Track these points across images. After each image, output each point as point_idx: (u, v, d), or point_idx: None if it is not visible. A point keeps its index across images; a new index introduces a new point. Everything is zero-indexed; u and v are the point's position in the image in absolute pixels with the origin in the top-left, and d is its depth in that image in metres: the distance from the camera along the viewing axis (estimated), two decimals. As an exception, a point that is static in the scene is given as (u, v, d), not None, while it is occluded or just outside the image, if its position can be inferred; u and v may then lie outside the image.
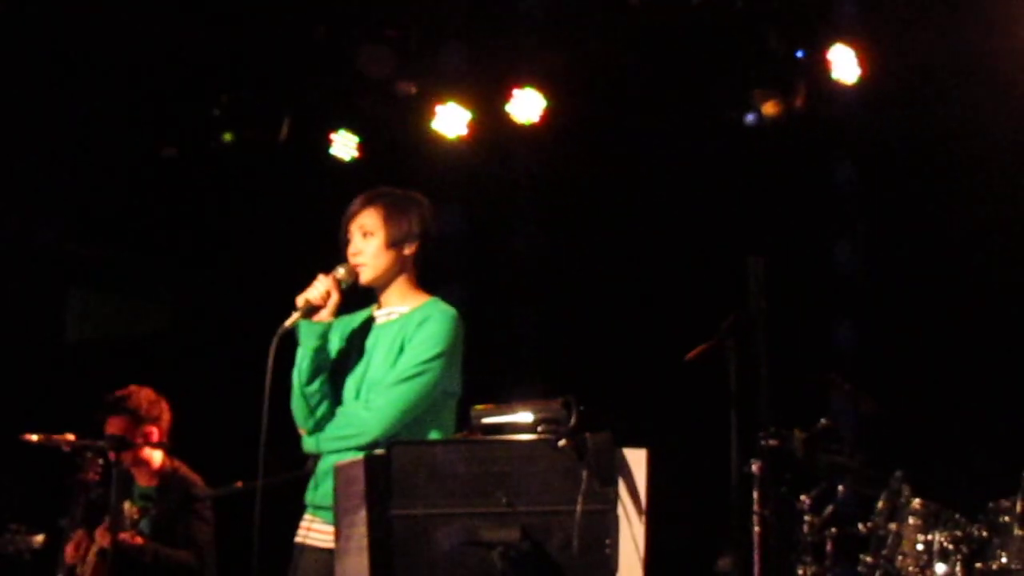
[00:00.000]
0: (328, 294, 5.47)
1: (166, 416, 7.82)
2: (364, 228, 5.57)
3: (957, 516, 6.59)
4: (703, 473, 7.29)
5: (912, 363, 8.31)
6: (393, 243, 5.56)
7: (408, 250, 5.60)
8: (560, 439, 4.49)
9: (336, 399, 5.52)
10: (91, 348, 10.41)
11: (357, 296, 5.64)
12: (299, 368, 5.49)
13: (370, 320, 5.64)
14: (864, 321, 8.47)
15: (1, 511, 8.08)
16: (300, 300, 5.47)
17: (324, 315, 5.48)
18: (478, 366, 5.66)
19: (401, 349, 5.46)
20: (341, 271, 5.53)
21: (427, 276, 5.69)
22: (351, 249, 5.59)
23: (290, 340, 5.49)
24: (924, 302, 8.41)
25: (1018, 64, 7.85)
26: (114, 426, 7.59)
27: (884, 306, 8.50)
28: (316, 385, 5.48)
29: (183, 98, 9.32)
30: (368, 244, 5.56)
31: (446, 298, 5.63)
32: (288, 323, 5.44)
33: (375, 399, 5.41)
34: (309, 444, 5.54)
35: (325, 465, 5.41)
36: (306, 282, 5.52)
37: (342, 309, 5.56)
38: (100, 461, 7.43)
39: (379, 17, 8.79)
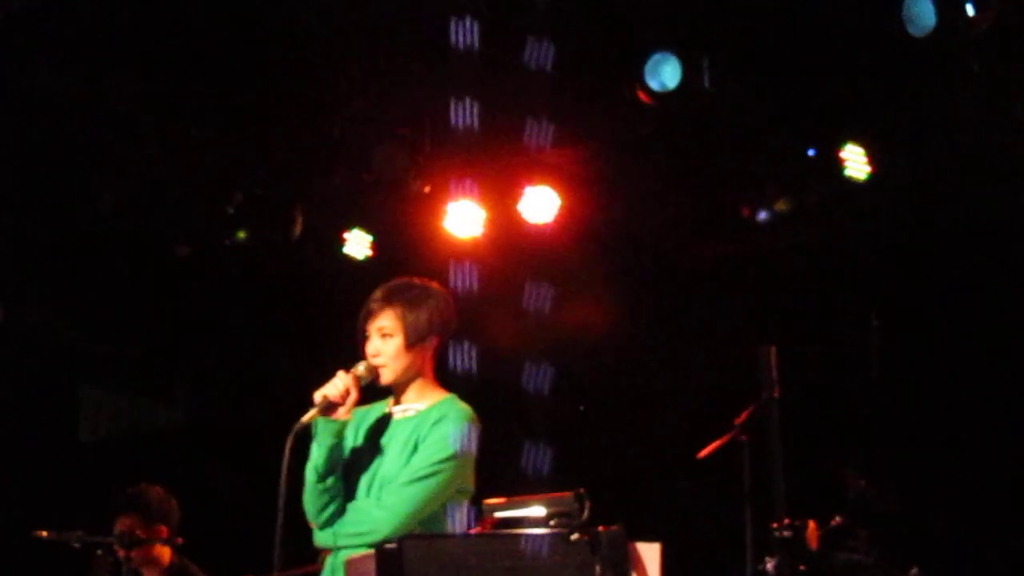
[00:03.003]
0: (347, 392, 5.43)
1: (175, 514, 7.79)
2: (383, 330, 5.53)
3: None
4: (717, 568, 7.25)
5: (928, 458, 8.28)
6: (412, 343, 5.53)
7: (428, 347, 5.58)
8: (573, 532, 4.46)
9: (349, 494, 5.49)
10: (103, 446, 10.40)
11: (374, 390, 5.62)
12: (314, 464, 5.45)
13: (386, 415, 5.61)
14: (879, 415, 8.45)
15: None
16: (318, 396, 5.44)
17: (341, 412, 5.44)
18: (491, 460, 5.63)
19: (415, 447, 5.43)
20: (361, 368, 5.50)
21: (445, 371, 5.69)
22: (370, 350, 5.55)
23: (305, 435, 5.47)
24: (939, 396, 8.39)
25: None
26: (124, 524, 7.56)
27: (899, 400, 8.48)
28: (331, 481, 5.45)
29: (197, 196, 9.36)
30: (387, 345, 5.53)
31: (461, 396, 5.62)
32: (305, 419, 5.40)
33: (387, 497, 5.38)
34: (321, 539, 5.50)
35: (336, 560, 5.37)
36: (319, 381, 5.50)
37: (360, 401, 5.55)
38: (110, 560, 7.40)
39: (392, 116, 8.83)
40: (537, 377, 8.52)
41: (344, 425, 5.47)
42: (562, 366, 9.00)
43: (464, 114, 7.99)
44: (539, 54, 7.61)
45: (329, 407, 5.43)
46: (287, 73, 8.56)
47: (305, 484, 5.47)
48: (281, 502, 5.22)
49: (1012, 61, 7.50)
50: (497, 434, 5.80)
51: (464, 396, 5.61)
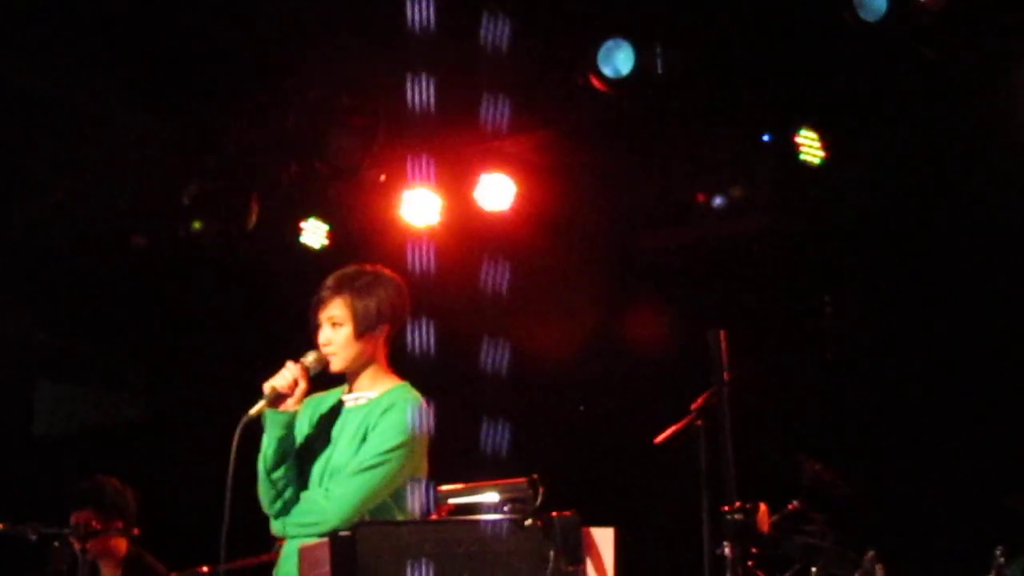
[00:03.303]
0: (296, 382, 5.43)
1: (132, 506, 7.79)
2: (333, 319, 5.53)
3: (930, 596, 6.57)
4: (672, 553, 7.26)
5: (882, 441, 8.32)
6: (362, 332, 5.53)
7: (379, 334, 5.58)
8: (527, 518, 4.47)
9: (303, 483, 5.48)
10: (60, 439, 10.36)
11: (330, 377, 5.62)
12: (264, 455, 5.45)
13: (338, 404, 5.61)
14: (834, 399, 8.48)
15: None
16: (267, 387, 5.43)
17: (291, 403, 5.44)
18: (444, 446, 5.63)
19: (364, 437, 5.43)
20: (310, 359, 5.50)
21: (398, 357, 5.68)
22: (321, 339, 5.55)
23: (256, 425, 5.45)
24: (894, 379, 8.42)
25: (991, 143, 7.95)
26: (80, 517, 7.55)
27: (853, 384, 8.51)
28: (281, 471, 5.44)
29: (152, 187, 9.32)
30: (337, 334, 5.53)
31: (414, 382, 5.61)
32: (253, 411, 5.40)
33: (335, 488, 5.37)
34: (276, 527, 5.50)
35: (290, 548, 5.37)
36: (276, 369, 5.49)
37: (313, 388, 5.54)
38: (68, 551, 7.38)
39: (346, 105, 8.81)
40: (494, 360, 8.52)
41: (293, 416, 5.45)
42: (518, 352, 9.00)
43: (419, 102, 7.97)
44: (494, 41, 7.60)
45: (278, 398, 5.42)
46: (241, 62, 8.54)
47: (258, 475, 5.47)
48: (229, 495, 5.22)
49: (963, 46, 7.52)
50: (452, 419, 5.81)
51: (421, 380, 5.61)
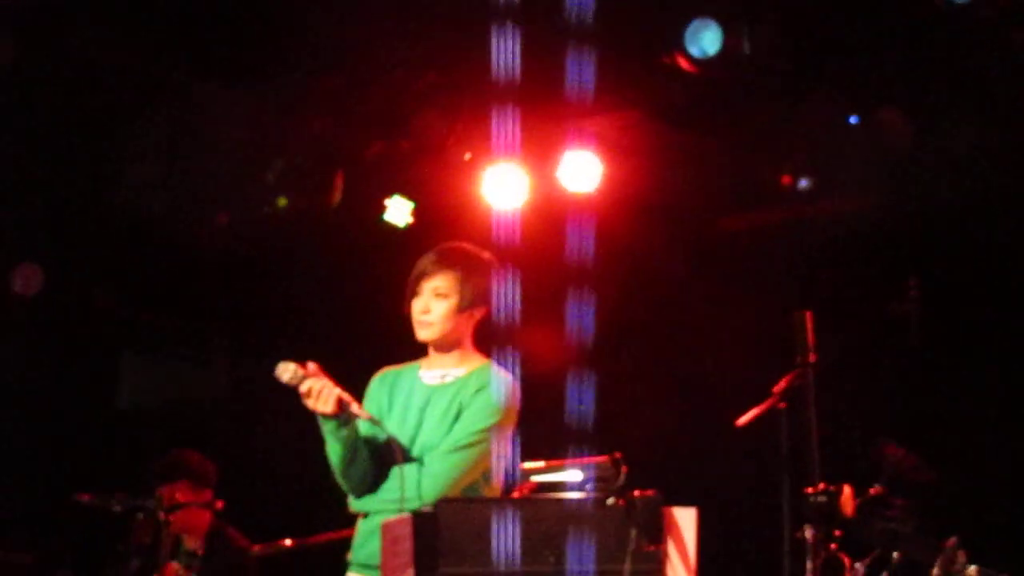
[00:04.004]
0: (338, 400, 5.36)
1: (213, 479, 7.85)
2: (438, 290, 5.54)
3: (1013, 583, 6.51)
4: (753, 535, 7.23)
5: (966, 428, 8.24)
6: (465, 308, 5.55)
7: (477, 314, 5.59)
8: (609, 497, 4.47)
9: (381, 460, 5.46)
10: (143, 413, 10.45)
11: (414, 348, 5.62)
12: (337, 458, 5.43)
13: (418, 378, 5.61)
14: (919, 385, 8.42)
15: (53, 571, 8.13)
16: (348, 404, 5.38)
17: (355, 408, 5.42)
18: (529, 425, 5.63)
19: (457, 415, 5.45)
20: (285, 375, 5.40)
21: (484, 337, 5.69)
22: (418, 306, 5.55)
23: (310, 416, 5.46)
24: (981, 365, 8.35)
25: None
26: (170, 490, 7.61)
27: (938, 369, 8.44)
28: (357, 466, 5.44)
29: (237, 163, 9.37)
30: (439, 305, 5.54)
31: (499, 362, 5.62)
32: (364, 431, 5.44)
33: (431, 465, 5.38)
34: (358, 504, 5.50)
35: (371, 524, 5.37)
36: (360, 345, 5.50)
37: (394, 358, 5.54)
38: (152, 523, 7.44)
39: (432, 82, 8.82)
40: (577, 340, 8.51)
41: (348, 420, 5.42)
42: (602, 335, 8.99)
43: (504, 79, 7.97)
44: (580, 18, 7.58)
45: (347, 411, 5.40)
46: (326, 40, 8.56)
47: (332, 467, 5.47)
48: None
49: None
50: (537, 399, 5.81)
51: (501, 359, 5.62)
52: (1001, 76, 7.86)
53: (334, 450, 5.43)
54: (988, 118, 8.09)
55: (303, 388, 5.34)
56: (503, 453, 5.45)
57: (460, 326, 5.57)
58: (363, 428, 5.49)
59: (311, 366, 5.39)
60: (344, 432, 5.39)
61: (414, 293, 5.57)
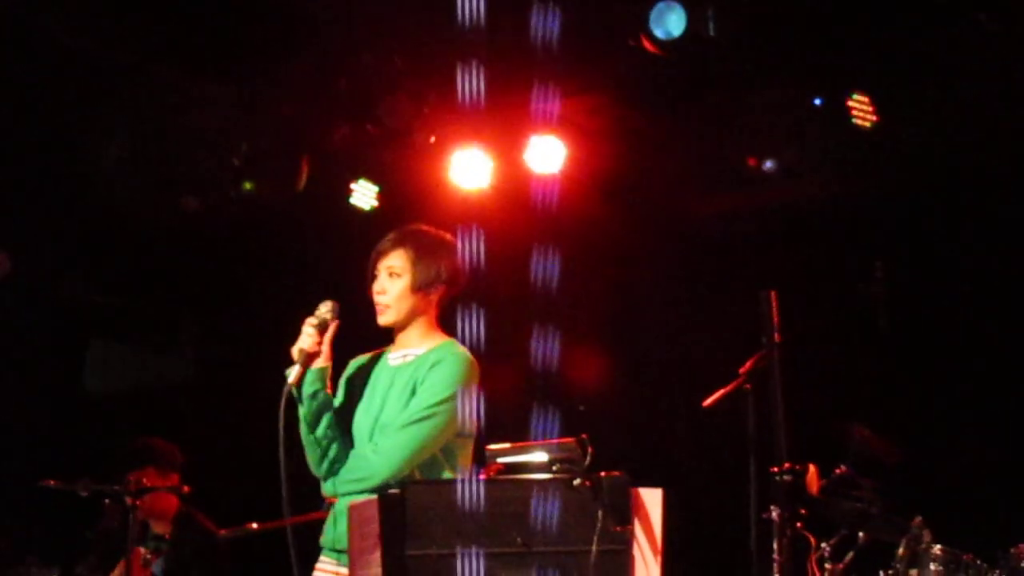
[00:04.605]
0: (320, 339, 5.45)
1: (179, 464, 7.86)
2: (392, 269, 5.56)
3: (978, 562, 6.55)
4: (719, 515, 7.26)
5: (932, 408, 8.28)
6: (419, 287, 5.55)
7: (434, 294, 5.59)
8: (575, 478, 4.48)
9: (350, 442, 5.51)
10: (110, 398, 10.42)
11: (378, 335, 5.63)
12: (302, 416, 5.48)
13: (385, 361, 5.63)
14: (884, 365, 8.45)
15: (20, 556, 8.11)
16: (295, 352, 5.46)
17: (321, 361, 5.47)
18: (493, 407, 5.64)
19: (413, 391, 5.46)
20: (323, 309, 5.50)
21: (446, 319, 5.69)
22: (375, 288, 5.58)
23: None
24: (943, 345, 8.38)
25: None
26: (139, 475, 7.60)
27: (904, 350, 8.48)
28: (322, 430, 5.47)
29: (203, 147, 9.34)
30: (394, 284, 5.56)
31: (462, 341, 5.63)
32: (292, 379, 5.42)
33: (383, 441, 5.40)
34: (327, 488, 5.53)
35: (340, 507, 5.40)
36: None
37: (360, 348, 5.56)
38: (120, 508, 7.44)
39: (398, 67, 8.81)
40: (544, 324, 8.51)
41: (324, 372, 5.47)
42: (567, 318, 9.00)
43: (469, 63, 7.96)
44: (546, 2, 7.58)
45: (309, 358, 5.44)
46: (292, 24, 8.54)
47: (302, 438, 5.50)
48: (283, 462, 5.24)
49: (1018, 10, 7.46)
50: (502, 380, 5.82)
51: (472, 342, 5.62)
52: (964, 57, 7.89)
53: (302, 413, 5.45)
54: (951, 99, 8.11)
55: (315, 323, 5.43)
56: (466, 431, 5.45)
57: (417, 306, 5.58)
58: (336, 401, 5.54)
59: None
60: (311, 384, 5.43)
61: (372, 276, 5.59)
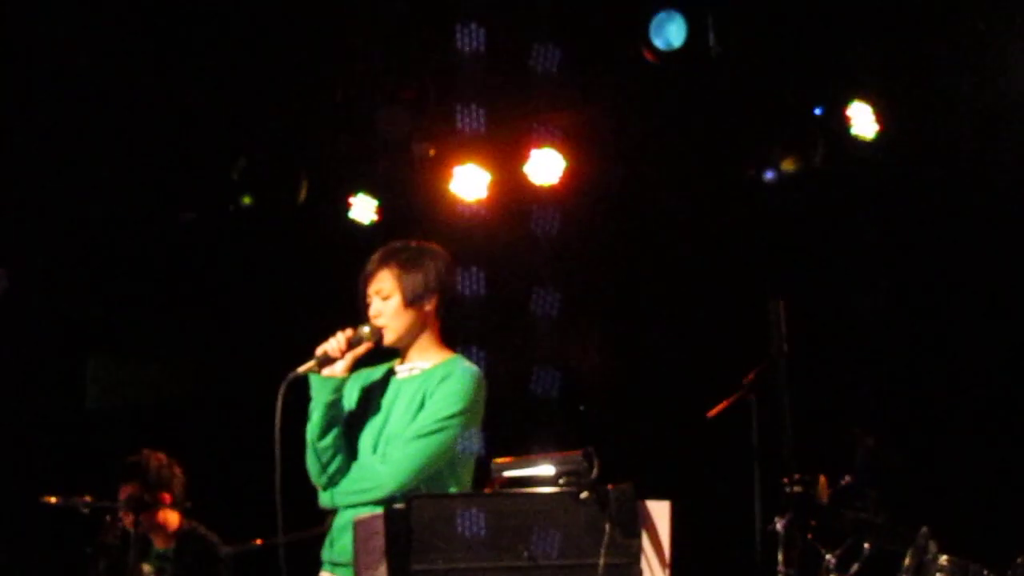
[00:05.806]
0: (346, 348, 5.44)
1: (179, 479, 7.83)
2: (380, 292, 5.54)
3: (984, 572, 6.52)
4: (726, 527, 7.23)
5: (938, 418, 8.26)
6: (410, 302, 5.53)
7: (428, 306, 5.57)
8: (582, 491, 4.45)
9: (352, 454, 5.48)
10: (110, 413, 10.41)
11: (382, 351, 5.61)
12: (311, 423, 5.46)
13: (391, 374, 5.61)
14: (888, 375, 8.43)
15: (20, 573, 8.10)
16: (319, 351, 5.45)
17: (338, 370, 5.45)
18: (499, 420, 5.62)
19: (421, 404, 5.43)
20: (365, 329, 5.50)
21: (449, 333, 5.67)
22: (372, 312, 5.56)
23: (305, 393, 5.46)
24: (948, 355, 8.36)
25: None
26: (127, 491, 7.60)
27: (908, 359, 8.46)
28: (329, 440, 5.44)
29: (201, 162, 9.34)
30: (387, 305, 5.53)
31: (467, 356, 5.61)
32: (301, 369, 5.41)
33: (392, 453, 5.37)
34: (325, 499, 5.49)
35: (341, 520, 5.37)
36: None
37: (365, 361, 5.54)
38: (120, 524, 7.43)
39: (396, 79, 8.80)
40: (546, 332, 8.51)
41: (342, 382, 5.46)
42: (570, 329, 9.00)
43: (469, 76, 7.96)
44: (545, 13, 7.59)
45: (326, 361, 5.42)
46: (291, 36, 8.54)
47: (306, 446, 5.47)
48: (278, 452, 5.22)
49: (1016, 18, 7.46)
50: (506, 394, 5.79)
51: (472, 350, 5.61)
52: (965, 66, 7.89)
53: (315, 412, 5.43)
54: (956, 106, 8.10)
55: (350, 335, 5.44)
56: (472, 445, 5.43)
57: (415, 320, 5.55)
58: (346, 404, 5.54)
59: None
60: (328, 394, 5.41)
61: (367, 301, 5.58)
